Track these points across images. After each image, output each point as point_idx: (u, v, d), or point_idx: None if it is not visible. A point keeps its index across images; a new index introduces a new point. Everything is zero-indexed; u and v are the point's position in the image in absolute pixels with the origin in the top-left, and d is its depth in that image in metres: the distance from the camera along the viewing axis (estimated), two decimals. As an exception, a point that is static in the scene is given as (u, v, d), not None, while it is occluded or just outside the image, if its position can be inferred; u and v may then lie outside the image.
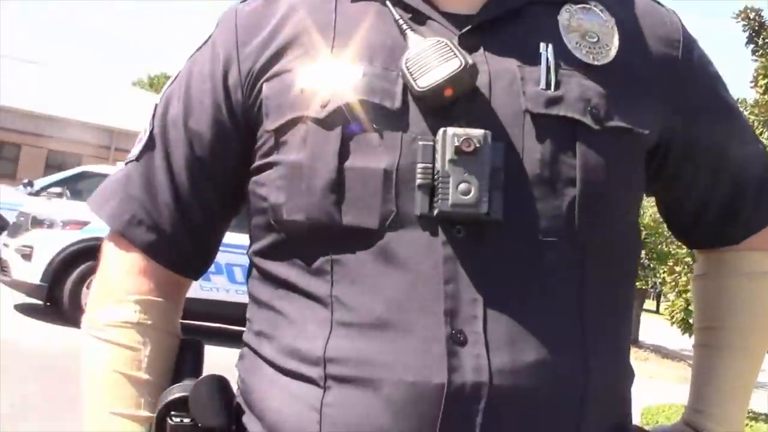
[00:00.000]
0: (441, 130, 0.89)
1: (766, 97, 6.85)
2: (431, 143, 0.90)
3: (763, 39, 7.13)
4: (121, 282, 1.04)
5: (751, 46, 7.46)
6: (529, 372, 0.88)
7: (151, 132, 1.05)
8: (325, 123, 0.93)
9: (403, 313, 0.88)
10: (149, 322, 1.03)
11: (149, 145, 1.05)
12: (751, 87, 7.39)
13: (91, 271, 7.75)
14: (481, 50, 0.95)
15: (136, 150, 1.06)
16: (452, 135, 0.88)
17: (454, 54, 0.90)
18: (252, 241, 1.02)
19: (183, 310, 1.10)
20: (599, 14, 1.02)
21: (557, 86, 0.94)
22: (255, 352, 0.99)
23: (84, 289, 7.90)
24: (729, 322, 1.12)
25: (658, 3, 1.09)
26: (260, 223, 0.99)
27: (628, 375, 1.01)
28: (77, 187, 11.01)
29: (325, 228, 0.92)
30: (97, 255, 1.08)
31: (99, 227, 6.61)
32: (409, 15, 0.98)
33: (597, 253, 0.94)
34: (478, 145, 0.88)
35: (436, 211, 0.88)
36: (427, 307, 0.88)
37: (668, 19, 1.07)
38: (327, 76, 0.95)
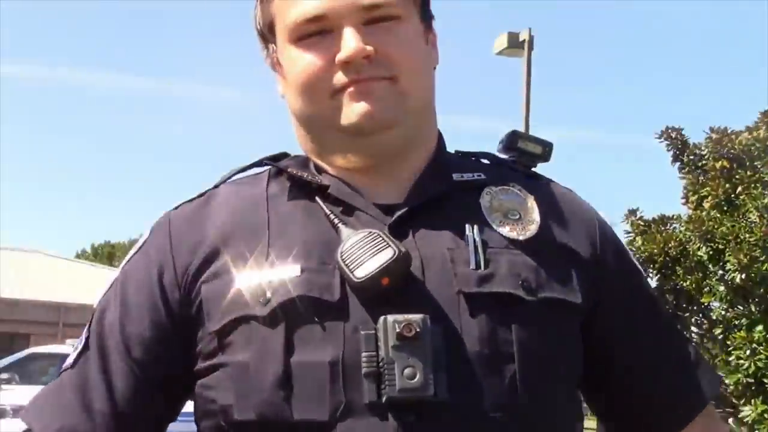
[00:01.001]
0: (381, 318, 0.93)
1: (698, 212, 7.02)
2: (373, 331, 0.93)
3: (687, 156, 7.33)
4: None
5: (677, 164, 7.64)
6: None
7: (87, 339, 1.06)
8: (268, 321, 0.96)
9: None
10: None
11: (84, 352, 1.05)
12: (683, 204, 7.55)
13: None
14: (411, 236, 1.00)
15: (71, 358, 1.07)
16: (393, 322, 0.92)
17: (387, 243, 0.95)
18: None
19: None
20: (518, 193, 1.08)
21: (486, 264, 0.99)
22: None
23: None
24: None
25: (571, 191, 1.15)
26: (210, 425, 1.00)
27: None
28: (27, 370, 10.74)
29: (277, 425, 0.93)
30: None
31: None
32: (340, 208, 1.03)
33: (541, 424, 0.96)
34: (418, 329, 0.91)
35: (384, 398, 0.90)
36: None
37: (585, 206, 1.14)
38: (266, 276, 0.98)
